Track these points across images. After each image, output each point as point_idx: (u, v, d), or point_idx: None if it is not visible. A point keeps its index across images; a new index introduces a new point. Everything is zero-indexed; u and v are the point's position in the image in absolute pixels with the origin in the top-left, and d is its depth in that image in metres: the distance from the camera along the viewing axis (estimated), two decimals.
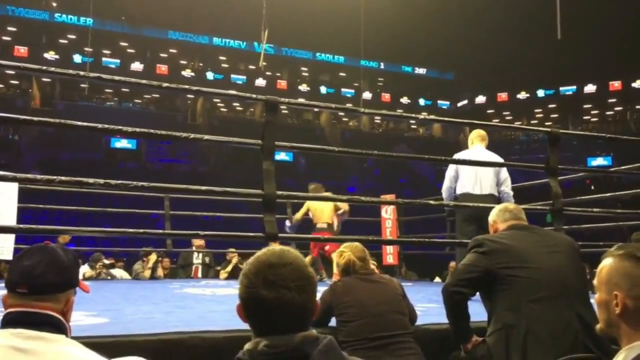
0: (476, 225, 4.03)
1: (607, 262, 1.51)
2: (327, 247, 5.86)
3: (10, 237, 4.49)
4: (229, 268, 6.80)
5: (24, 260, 1.38)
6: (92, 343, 1.45)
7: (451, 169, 4.58)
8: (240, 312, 1.21)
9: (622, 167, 5.42)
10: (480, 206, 3.79)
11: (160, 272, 6.74)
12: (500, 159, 4.54)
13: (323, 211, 6.10)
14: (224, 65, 34.21)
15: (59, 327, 1.34)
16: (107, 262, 6.49)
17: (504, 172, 4.43)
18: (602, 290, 1.50)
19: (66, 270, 1.40)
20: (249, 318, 1.20)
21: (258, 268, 1.19)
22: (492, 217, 2.58)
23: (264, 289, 1.16)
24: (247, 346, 1.17)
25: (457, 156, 4.46)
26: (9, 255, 4.49)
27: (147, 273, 6.59)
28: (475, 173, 4.36)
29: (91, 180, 2.77)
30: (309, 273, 1.21)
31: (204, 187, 3.14)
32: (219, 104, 34.12)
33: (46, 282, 1.35)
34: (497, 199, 4.29)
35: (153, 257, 6.65)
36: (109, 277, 6.56)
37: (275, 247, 1.26)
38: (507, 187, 4.39)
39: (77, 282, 1.46)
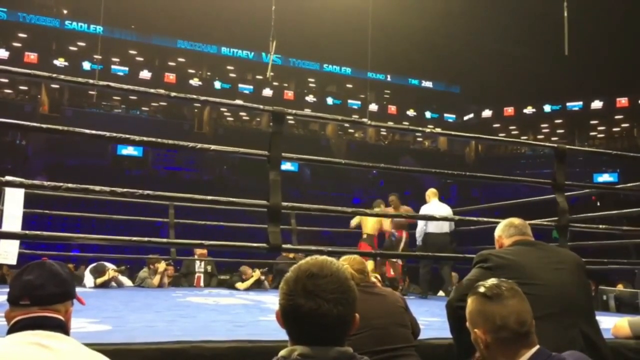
0: (436, 252, 6.15)
1: (468, 303, 1.67)
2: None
3: (15, 243, 4.51)
4: (249, 283, 6.74)
5: (24, 275, 1.47)
6: (94, 351, 1.46)
7: (422, 220, 6.46)
8: (278, 318, 1.23)
9: (629, 185, 5.39)
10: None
11: (166, 280, 6.73)
12: (449, 208, 6.60)
13: (367, 222, 6.95)
14: (231, 74, 34.38)
15: (65, 330, 1.43)
16: (117, 269, 6.44)
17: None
18: (471, 330, 1.64)
19: (64, 283, 1.49)
20: (286, 325, 1.21)
21: (298, 276, 1.20)
22: (497, 232, 2.57)
23: (302, 297, 1.17)
24: (282, 353, 1.18)
25: (423, 208, 6.58)
26: (13, 260, 4.51)
27: (156, 280, 6.56)
28: (439, 222, 6.18)
29: (97, 188, 2.78)
30: (349, 286, 1.21)
31: (209, 197, 3.14)
32: (225, 113, 34.23)
33: (47, 293, 1.44)
34: (451, 235, 6.47)
35: (162, 265, 6.63)
36: (114, 284, 6.51)
37: (319, 257, 1.26)
38: (453, 227, 6.51)
39: (74, 294, 1.55)
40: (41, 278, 1.45)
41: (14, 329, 1.39)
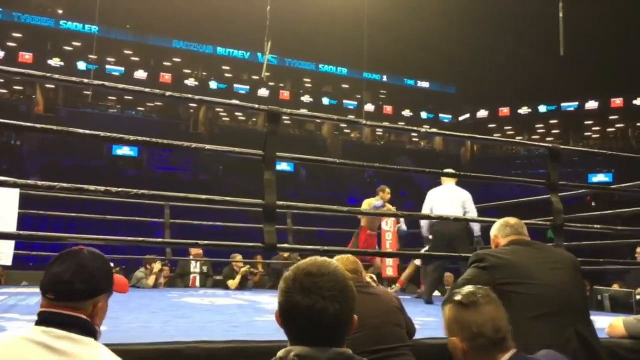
0: (447, 245, 5.06)
1: (445, 311, 1.68)
2: None
3: (10, 244, 4.49)
4: (238, 279, 6.74)
5: (55, 266, 1.43)
6: (114, 354, 1.45)
7: (427, 206, 5.53)
8: (277, 317, 1.24)
9: (623, 185, 5.41)
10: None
11: (162, 280, 6.72)
12: (467, 194, 5.39)
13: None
14: (227, 75, 34.33)
15: (87, 329, 1.39)
16: (113, 270, 6.41)
17: (469, 206, 5.34)
18: (448, 339, 1.66)
19: (93, 279, 1.44)
20: (284, 324, 1.22)
21: (296, 275, 1.22)
22: (493, 231, 2.58)
23: (299, 294, 1.18)
24: (280, 354, 1.19)
25: (431, 192, 5.58)
26: (8, 261, 4.49)
27: (152, 281, 6.56)
28: (446, 208, 5.21)
29: (92, 188, 2.77)
30: (346, 285, 1.23)
31: (204, 196, 3.14)
32: (221, 114, 34.19)
33: (72, 290, 1.39)
34: (463, 226, 5.27)
35: (158, 266, 6.63)
36: None
37: (318, 258, 1.27)
38: (472, 215, 5.30)
39: (107, 288, 1.51)
40: (69, 272, 1.39)
41: (37, 320, 1.38)
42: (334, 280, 1.21)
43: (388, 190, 6.42)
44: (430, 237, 5.56)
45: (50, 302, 1.38)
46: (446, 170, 5.10)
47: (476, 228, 5.39)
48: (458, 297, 1.65)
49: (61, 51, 30.32)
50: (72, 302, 1.38)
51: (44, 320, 1.36)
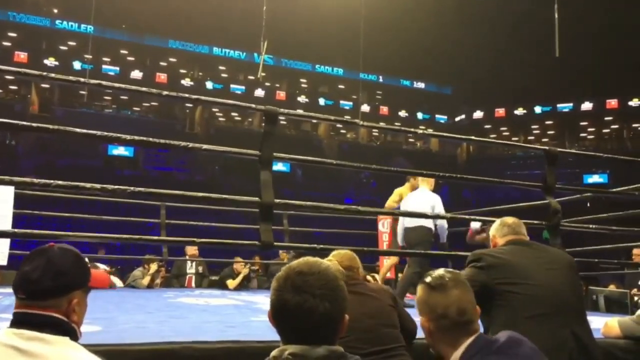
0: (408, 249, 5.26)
1: (417, 292, 1.73)
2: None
3: (5, 242, 4.47)
4: (239, 279, 6.74)
5: (25, 265, 1.39)
6: (91, 352, 1.43)
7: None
8: (270, 316, 1.25)
9: (620, 189, 5.44)
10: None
11: (158, 280, 6.71)
12: (436, 197, 5.34)
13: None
14: (223, 75, 34.30)
15: (62, 328, 1.34)
16: (109, 270, 6.38)
17: (438, 210, 5.26)
18: (419, 318, 1.72)
19: (63, 276, 1.38)
20: (276, 323, 1.24)
21: (288, 274, 1.24)
22: (491, 231, 2.58)
23: (289, 293, 1.20)
24: (273, 353, 1.20)
25: (406, 198, 5.65)
26: (3, 261, 4.47)
27: (146, 281, 6.55)
28: (414, 210, 5.21)
29: (88, 185, 2.75)
30: (337, 284, 1.24)
31: (200, 194, 3.13)
32: (217, 114, 34.16)
33: (41, 289, 1.35)
34: (429, 230, 5.23)
35: (154, 266, 6.61)
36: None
37: (310, 258, 1.29)
38: (440, 221, 5.25)
39: (82, 284, 1.44)
40: (37, 271, 1.35)
41: (11, 321, 1.34)
42: (325, 279, 1.22)
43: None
44: (401, 243, 5.51)
45: (22, 302, 1.35)
46: (421, 171, 5.17)
47: (443, 235, 5.42)
48: (428, 279, 1.71)
49: (56, 50, 30.24)
50: (43, 301, 1.34)
51: (16, 321, 1.33)
